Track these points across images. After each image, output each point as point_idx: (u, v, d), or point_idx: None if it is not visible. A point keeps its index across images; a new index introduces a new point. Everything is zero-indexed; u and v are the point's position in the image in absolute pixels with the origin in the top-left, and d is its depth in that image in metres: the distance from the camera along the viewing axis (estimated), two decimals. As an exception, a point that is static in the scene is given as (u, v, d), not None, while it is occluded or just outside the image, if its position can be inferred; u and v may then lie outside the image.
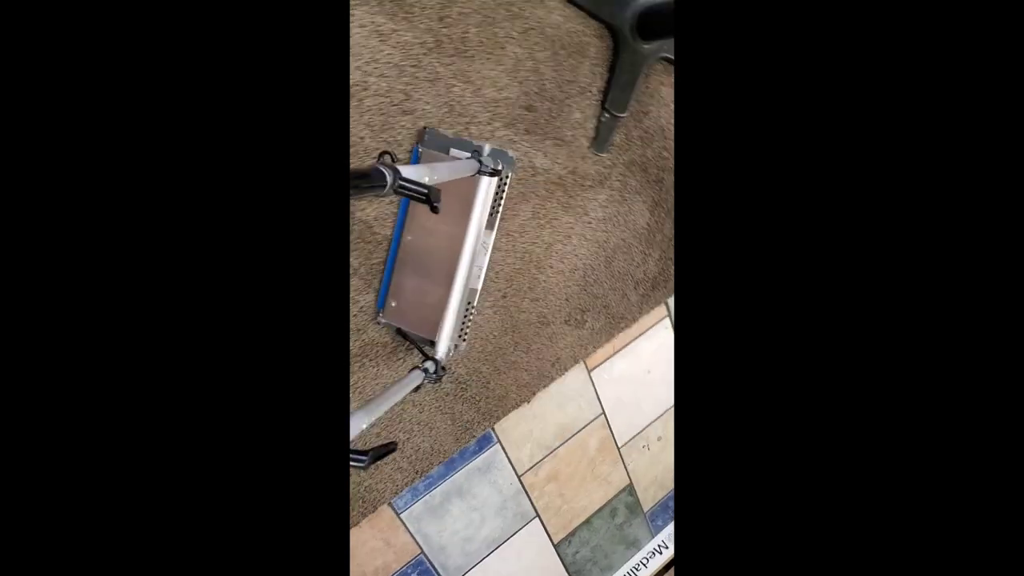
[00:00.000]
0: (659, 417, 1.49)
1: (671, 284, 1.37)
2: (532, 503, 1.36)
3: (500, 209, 0.99)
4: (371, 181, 0.53)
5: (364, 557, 1.17)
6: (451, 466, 1.23)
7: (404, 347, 1.08)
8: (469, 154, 0.96)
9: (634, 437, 1.47)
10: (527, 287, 1.19)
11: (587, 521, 1.47)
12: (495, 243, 1.07)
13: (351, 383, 1.06)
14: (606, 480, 1.46)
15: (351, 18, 0.88)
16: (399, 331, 1.05)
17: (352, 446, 0.66)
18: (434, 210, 0.59)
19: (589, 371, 1.34)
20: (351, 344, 1.04)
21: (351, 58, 0.89)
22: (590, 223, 1.21)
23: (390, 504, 1.18)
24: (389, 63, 0.92)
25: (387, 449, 0.70)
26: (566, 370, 1.29)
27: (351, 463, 0.64)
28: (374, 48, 0.91)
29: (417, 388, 0.92)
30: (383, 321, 1.03)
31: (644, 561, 1.58)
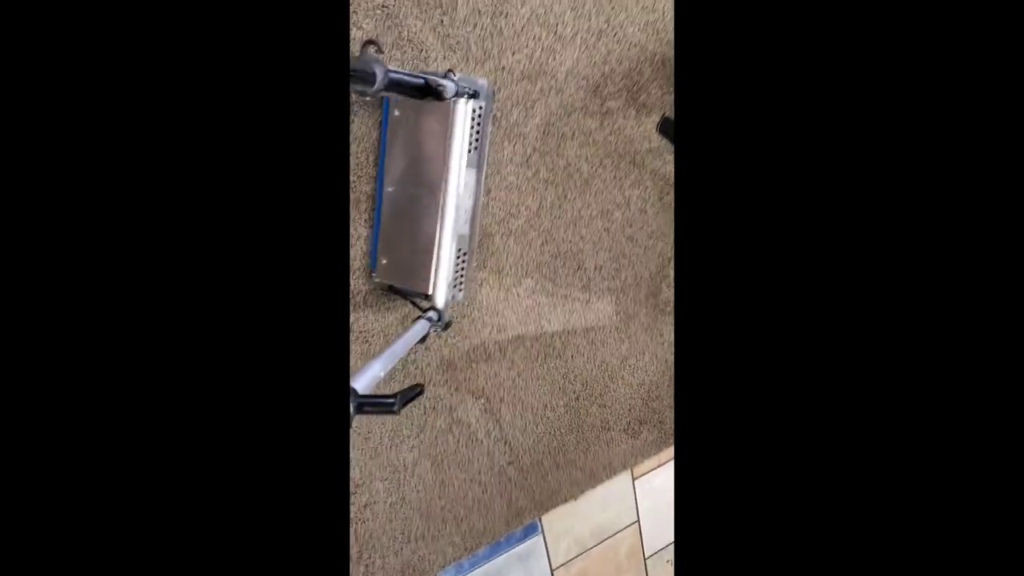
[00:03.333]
0: (686, 534, 1.54)
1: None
2: (558, 599, 1.40)
3: (481, 145, 0.92)
4: (359, 76, 0.48)
5: (401, 626, 1.21)
6: (496, 549, 1.28)
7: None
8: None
9: (660, 550, 1.52)
10: (598, 393, 1.28)
11: (602, 628, 1.50)
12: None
13: (358, 328, 1.02)
14: (628, 589, 1.50)
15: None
16: (391, 288, 1.00)
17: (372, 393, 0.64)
18: (439, 98, 0.54)
19: (634, 479, 1.41)
20: (354, 299, 1.00)
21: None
22: (663, 344, 1.32)
23: (434, 576, 1.23)
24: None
25: (415, 392, 0.65)
26: (615, 474, 1.37)
27: (382, 409, 0.60)
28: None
29: (423, 339, 0.89)
30: (376, 280, 0.99)
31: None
